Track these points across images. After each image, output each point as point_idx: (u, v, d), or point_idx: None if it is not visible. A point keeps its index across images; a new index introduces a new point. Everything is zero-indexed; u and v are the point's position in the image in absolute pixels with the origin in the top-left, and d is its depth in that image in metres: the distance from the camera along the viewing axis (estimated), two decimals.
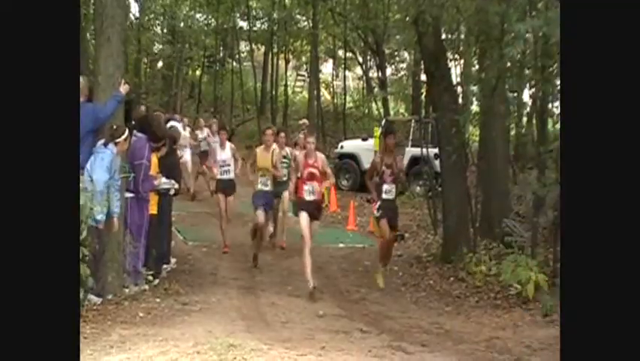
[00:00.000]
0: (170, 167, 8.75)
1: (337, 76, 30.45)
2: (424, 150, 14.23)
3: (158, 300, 7.36)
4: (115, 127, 7.20)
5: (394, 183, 9.33)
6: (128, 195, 7.69)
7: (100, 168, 6.91)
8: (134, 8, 25.58)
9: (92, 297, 6.92)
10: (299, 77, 33.19)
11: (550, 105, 10.86)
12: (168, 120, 9.97)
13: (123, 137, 7.20)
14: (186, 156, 15.16)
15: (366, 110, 28.43)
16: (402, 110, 28.32)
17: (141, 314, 6.72)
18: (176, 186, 8.79)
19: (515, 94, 10.53)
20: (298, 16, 28.90)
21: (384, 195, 9.14)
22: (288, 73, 30.55)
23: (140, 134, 8.00)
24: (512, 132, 15.25)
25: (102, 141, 7.13)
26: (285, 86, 29.60)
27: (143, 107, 14.01)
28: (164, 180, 8.40)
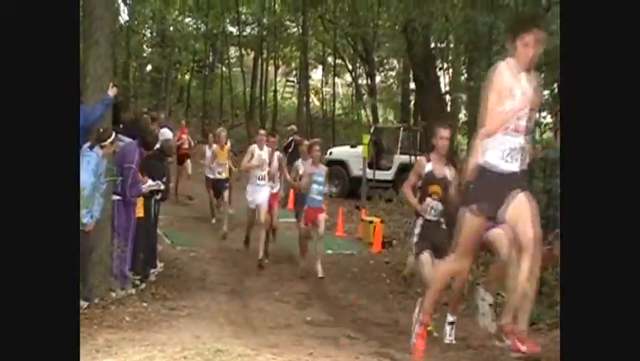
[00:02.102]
0: (157, 171, 8.72)
1: (327, 82, 30.51)
2: (413, 157, 14.28)
3: (145, 304, 7.33)
4: (101, 130, 7.18)
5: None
6: (116, 197, 7.66)
7: (86, 170, 6.88)
8: (124, 12, 25.56)
9: None
10: (288, 83, 33.24)
11: (537, 115, 10.93)
12: (161, 127, 9.92)
13: (109, 140, 7.18)
14: (260, 196, 10.30)
15: (356, 117, 28.50)
16: (391, 118, 28.42)
17: (128, 318, 6.69)
18: (162, 187, 8.74)
19: None
20: (288, 23, 29.00)
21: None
22: (278, 79, 30.57)
23: (127, 139, 7.97)
24: None
25: (88, 144, 7.10)
26: (275, 91, 29.61)
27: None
28: (150, 182, 8.37)
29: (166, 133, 9.61)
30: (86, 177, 6.86)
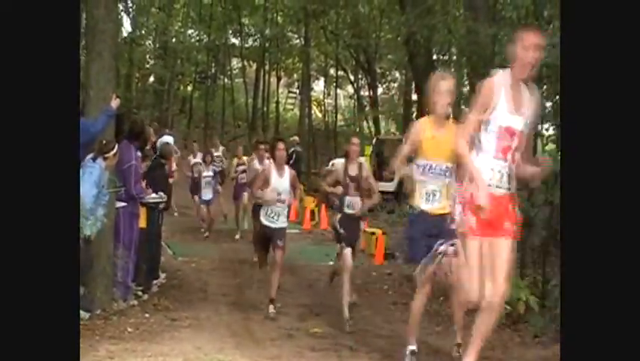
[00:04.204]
0: (159, 181, 8.73)
1: (329, 94, 30.60)
2: None
3: (147, 315, 7.33)
4: (104, 142, 7.19)
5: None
6: (120, 204, 7.65)
7: (88, 182, 6.88)
8: (127, 23, 25.67)
9: (80, 311, 6.87)
10: (290, 95, 33.33)
11: (539, 127, 10.95)
12: (162, 135, 9.92)
13: (112, 152, 7.19)
14: None
15: (357, 129, 28.55)
16: (393, 129, 28.46)
17: (130, 330, 6.68)
18: (165, 198, 8.77)
19: None
20: (290, 34, 29.12)
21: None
22: (280, 90, 30.67)
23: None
24: None
25: (90, 156, 7.11)
26: (277, 103, 29.72)
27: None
28: (153, 195, 8.39)
29: (165, 137, 9.65)
30: (88, 189, 6.86)
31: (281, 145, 8.20)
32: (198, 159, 15.28)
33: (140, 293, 8.11)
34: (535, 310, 7.53)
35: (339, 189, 8.00)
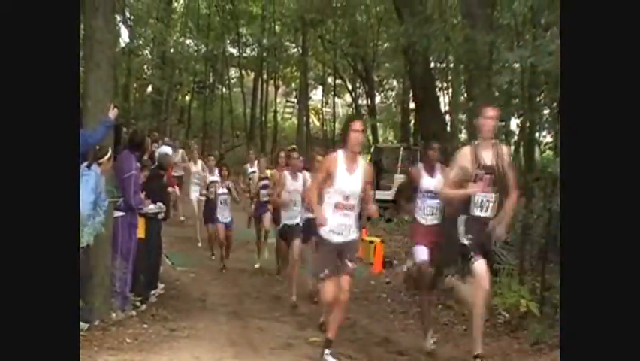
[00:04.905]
0: (158, 191, 8.73)
1: (326, 102, 30.65)
2: None
3: (145, 326, 7.30)
4: (98, 147, 7.19)
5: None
6: (119, 213, 7.64)
7: (85, 189, 6.87)
8: (124, 34, 25.71)
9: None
10: (288, 104, 33.37)
11: (537, 134, 10.98)
12: (160, 145, 9.94)
13: (106, 157, 7.18)
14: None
15: None
16: (391, 138, 28.49)
17: (128, 340, 6.66)
18: (164, 208, 8.77)
19: (503, 123, 10.63)
20: (288, 43, 29.19)
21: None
22: (278, 99, 30.72)
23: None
24: None
25: (85, 163, 7.10)
26: (275, 112, 29.74)
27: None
28: (152, 206, 8.38)
29: (164, 148, 9.66)
30: (86, 196, 6.85)
31: (357, 124, 5.96)
32: (215, 176, 12.17)
33: (138, 304, 8.08)
34: (537, 314, 7.53)
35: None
